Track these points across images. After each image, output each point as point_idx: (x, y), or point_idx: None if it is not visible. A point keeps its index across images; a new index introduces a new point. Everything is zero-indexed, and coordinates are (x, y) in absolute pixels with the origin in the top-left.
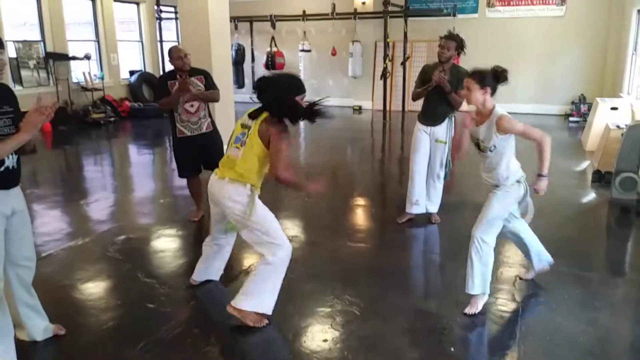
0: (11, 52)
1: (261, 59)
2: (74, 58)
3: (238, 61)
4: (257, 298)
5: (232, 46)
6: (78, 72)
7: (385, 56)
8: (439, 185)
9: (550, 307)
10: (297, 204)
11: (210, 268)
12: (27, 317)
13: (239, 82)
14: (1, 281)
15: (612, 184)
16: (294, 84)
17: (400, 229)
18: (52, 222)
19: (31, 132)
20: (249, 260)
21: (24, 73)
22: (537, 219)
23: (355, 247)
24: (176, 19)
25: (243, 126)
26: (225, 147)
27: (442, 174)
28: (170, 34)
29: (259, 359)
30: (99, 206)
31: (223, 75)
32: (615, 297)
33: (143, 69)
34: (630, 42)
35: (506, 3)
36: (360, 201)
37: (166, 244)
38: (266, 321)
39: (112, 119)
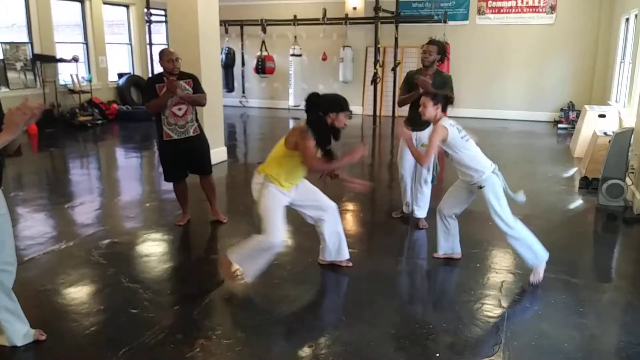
0: None
1: (251, 62)
2: (62, 60)
3: (228, 65)
4: (240, 256)
5: (222, 50)
6: (66, 74)
7: (376, 61)
8: (426, 190)
9: (536, 313)
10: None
11: (327, 247)
12: (7, 322)
13: (229, 86)
14: None
15: (599, 191)
16: (338, 102)
17: (388, 235)
18: (35, 225)
19: (13, 132)
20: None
21: (11, 75)
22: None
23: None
24: (166, 22)
25: None
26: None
27: (429, 179)
28: (159, 37)
29: None
30: (84, 210)
31: (212, 79)
32: (601, 303)
33: (132, 72)
34: (619, 50)
35: (496, 11)
36: (349, 206)
37: (151, 249)
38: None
39: (99, 121)
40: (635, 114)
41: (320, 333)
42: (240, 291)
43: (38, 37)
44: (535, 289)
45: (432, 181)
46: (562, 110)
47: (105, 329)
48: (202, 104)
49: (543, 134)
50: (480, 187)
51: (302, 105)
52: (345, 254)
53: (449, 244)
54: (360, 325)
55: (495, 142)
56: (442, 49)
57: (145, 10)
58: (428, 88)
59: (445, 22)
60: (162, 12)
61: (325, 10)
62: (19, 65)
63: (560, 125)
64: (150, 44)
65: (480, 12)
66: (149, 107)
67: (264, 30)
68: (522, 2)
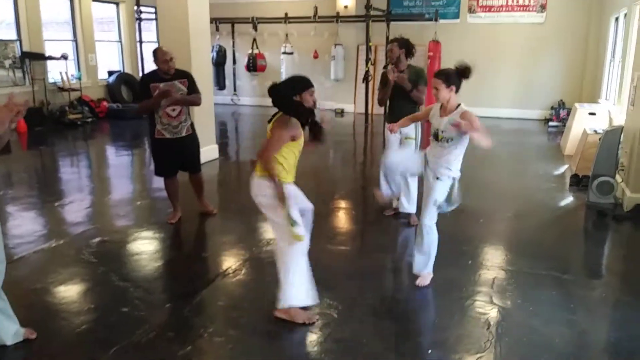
0: None
1: (243, 60)
2: (51, 58)
3: (219, 63)
4: (286, 292)
5: (213, 47)
6: (55, 72)
7: (367, 60)
8: (413, 184)
9: (527, 309)
10: None
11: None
12: None
13: (220, 84)
14: None
15: (589, 188)
16: (296, 83)
17: (380, 232)
18: (25, 224)
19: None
20: (226, 263)
21: None
22: (515, 222)
23: (335, 250)
24: (156, 19)
25: (268, 131)
26: None
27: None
28: (150, 34)
29: None
30: (74, 208)
31: (203, 77)
32: (592, 299)
33: (122, 70)
34: (609, 49)
35: (487, 9)
36: (342, 204)
37: (142, 247)
38: (315, 317)
39: (89, 119)
40: (625, 112)
41: (313, 330)
42: (231, 289)
43: (27, 34)
44: (526, 285)
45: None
46: (552, 108)
47: (96, 328)
48: (197, 104)
49: (534, 132)
50: (437, 178)
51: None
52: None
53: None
54: (352, 323)
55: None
56: (404, 44)
57: (135, 7)
58: (403, 82)
59: (436, 20)
60: (152, 10)
61: (316, 8)
62: (7, 63)
63: (550, 123)
64: (141, 42)
65: (471, 10)
66: (139, 109)
67: (255, 28)
68: (513, 0)
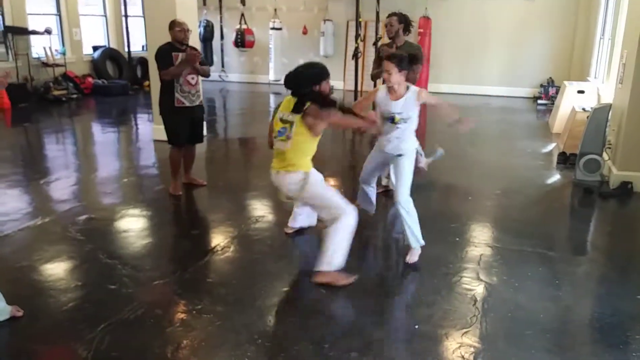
0: None
1: (230, 36)
2: (34, 32)
3: (206, 38)
4: (333, 257)
5: (200, 23)
6: (38, 47)
7: (357, 36)
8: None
9: (513, 286)
10: (265, 185)
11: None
12: None
13: (207, 60)
14: None
15: (576, 166)
16: (317, 74)
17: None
18: (10, 201)
19: None
20: (215, 241)
21: None
22: (503, 199)
23: (324, 227)
24: None
25: (284, 121)
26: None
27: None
28: (135, 8)
29: (223, 339)
30: (60, 185)
31: None
32: (576, 276)
33: (107, 45)
34: (599, 26)
35: None
36: (330, 181)
37: (129, 224)
38: (353, 277)
39: (74, 95)
40: (614, 90)
41: (300, 306)
42: (220, 266)
43: (9, 8)
44: (512, 262)
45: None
46: (541, 86)
47: (84, 305)
48: (208, 76)
49: (522, 109)
50: (400, 155)
51: (284, 86)
52: (314, 220)
53: (368, 205)
54: (339, 299)
55: (476, 118)
56: (403, 19)
57: None
58: None
59: None
60: None
61: None
62: None
63: (539, 101)
64: (126, 16)
65: None
66: (166, 75)
67: (243, 3)
68: None
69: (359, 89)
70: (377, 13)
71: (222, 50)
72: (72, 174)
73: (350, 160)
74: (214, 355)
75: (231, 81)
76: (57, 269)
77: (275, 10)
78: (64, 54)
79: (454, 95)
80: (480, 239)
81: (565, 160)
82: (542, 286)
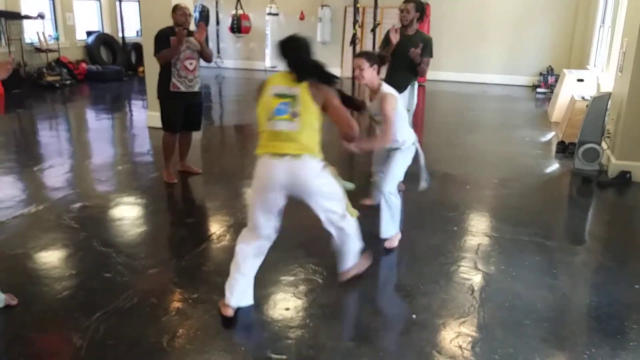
0: None
1: (226, 21)
2: (27, 17)
3: None
4: (352, 256)
5: (195, 7)
6: (31, 32)
7: (355, 22)
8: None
9: (510, 275)
10: None
11: (247, 278)
12: None
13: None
14: None
15: (575, 155)
16: (310, 43)
17: (366, 198)
18: (4, 189)
19: None
20: (211, 229)
21: None
22: (501, 188)
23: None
24: None
25: (281, 96)
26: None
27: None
28: None
29: (219, 328)
30: (54, 173)
31: None
32: (574, 265)
33: (101, 30)
34: (599, 14)
35: None
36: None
37: (124, 212)
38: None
39: (67, 81)
40: (613, 78)
41: (297, 296)
42: (216, 255)
43: None
44: (510, 251)
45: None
46: (541, 74)
47: (78, 293)
48: (210, 60)
49: (522, 98)
50: (395, 149)
51: (281, 54)
52: None
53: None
54: (337, 288)
55: (474, 106)
56: (420, 7)
57: None
58: (416, 57)
59: None
60: None
61: None
62: None
63: (538, 90)
64: (120, 1)
65: None
66: (161, 57)
67: None
68: None
69: None
70: None
71: (217, 36)
72: (66, 161)
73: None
74: (209, 344)
75: (227, 67)
76: (51, 257)
77: None
78: (57, 39)
79: (453, 83)
80: (478, 228)
81: (564, 149)
82: (539, 275)
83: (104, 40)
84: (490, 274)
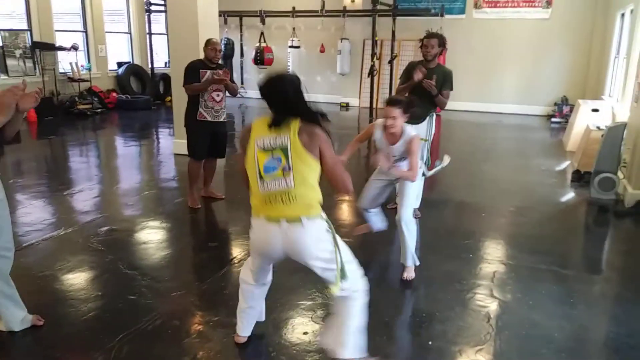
0: None
1: (250, 54)
2: (61, 48)
3: (227, 55)
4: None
5: (221, 40)
6: (65, 62)
7: (373, 54)
8: (420, 182)
9: (527, 303)
10: None
11: (257, 310)
12: (5, 307)
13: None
14: None
15: (591, 184)
16: (299, 83)
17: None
18: (34, 212)
19: (5, 113)
20: (233, 253)
21: (10, 62)
22: (517, 216)
23: None
24: (165, 11)
25: (268, 150)
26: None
27: (422, 171)
28: (159, 26)
29: (239, 351)
30: (83, 197)
31: None
32: (592, 294)
33: (131, 61)
34: (614, 45)
35: (493, 5)
36: (345, 197)
37: (149, 236)
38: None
39: (98, 110)
40: (629, 108)
41: (315, 320)
42: (237, 278)
43: (37, 24)
44: (526, 279)
45: (423, 174)
46: (556, 104)
47: (103, 315)
48: (235, 94)
49: (537, 127)
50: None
51: (266, 99)
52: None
53: (379, 224)
54: None
55: (490, 135)
56: (443, 41)
57: None
58: (431, 88)
59: (442, 15)
60: (162, 2)
61: (323, 2)
62: (18, 52)
63: (553, 120)
64: (150, 34)
65: (477, 5)
66: (191, 89)
67: (263, 22)
68: None
69: (374, 105)
70: (393, 32)
71: (241, 68)
72: (95, 185)
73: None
74: None
75: (250, 97)
76: (78, 279)
77: (294, 29)
78: (89, 69)
79: (469, 113)
80: (494, 256)
81: (580, 178)
82: (557, 304)
83: (133, 70)
84: (507, 302)
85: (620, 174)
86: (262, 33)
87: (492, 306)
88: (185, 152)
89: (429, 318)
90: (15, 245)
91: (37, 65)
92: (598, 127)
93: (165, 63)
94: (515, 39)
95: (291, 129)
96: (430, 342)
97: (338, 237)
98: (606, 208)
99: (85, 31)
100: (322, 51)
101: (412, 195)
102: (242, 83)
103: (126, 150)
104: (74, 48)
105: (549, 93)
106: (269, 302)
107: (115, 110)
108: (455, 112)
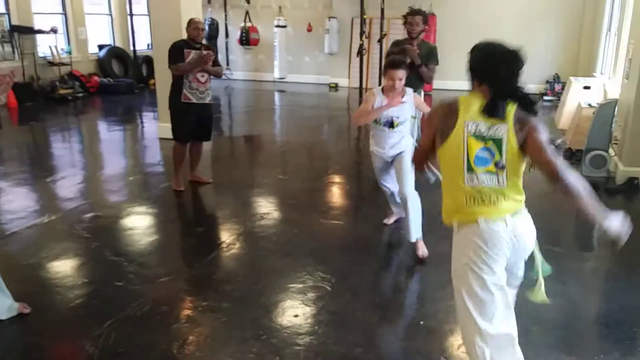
0: None
1: (235, 34)
2: (40, 32)
3: (211, 36)
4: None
5: (205, 21)
6: (44, 46)
7: (362, 33)
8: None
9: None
10: (270, 182)
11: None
12: None
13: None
14: None
15: (582, 162)
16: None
17: (374, 206)
18: (17, 199)
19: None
20: (220, 238)
21: None
22: None
23: (329, 224)
24: None
25: (481, 138)
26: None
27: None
28: (140, 7)
29: (228, 335)
30: (67, 183)
31: None
32: (583, 271)
33: (112, 44)
34: (605, 22)
35: None
36: (335, 179)
37: (135, 222)
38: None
39: (80, 94)
40: (620, 85)
41: (306, 303)
42: (225, 263)
43: (15, 7)
44: None
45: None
46: (547, 82)
47: (90, 302)
48: (220, 76)
49: None
50: (400, 153)
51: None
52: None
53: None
54: (345, 295)
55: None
56: (426, 18)
57: None
58: (416, 59)
59: None
60: None
61: None
62: None
63: (545, 98)
64: (131, 15)
65: None
66: (176, 70)
67: (248, 1)
68: None
69: (364, 85)
70: (382, 10)
71: (227, 48)
72: (78, 172)
73: (356, 158)
74: (219, 352)
75: (236, 79)
76: (64, 267)
77: (280, 8)
78: (69, 52)
79: (459, 92)
80: None
81: (571, 156)
82: (548, 282)
83: (115, 53)
84: None
85: (611, 151)
86: (247, 12)
87: None
88: (170, 135)
89: (420, 298)
90: None
91: (16, 50)
92: (589, 105)
93: (148, 45)
94: (506, 16)
95: (509, 118)
96: (421, 322)
97: None
98: (597, 185)
99: (65, 13)
100: (309, 30)
101: (409, 170)
102: (227, 64)
103: (110, 135)
104: (53, 31)
105: (541, 71)
106: (260, 286)
107: (98, 95)
108: (446, 92)
